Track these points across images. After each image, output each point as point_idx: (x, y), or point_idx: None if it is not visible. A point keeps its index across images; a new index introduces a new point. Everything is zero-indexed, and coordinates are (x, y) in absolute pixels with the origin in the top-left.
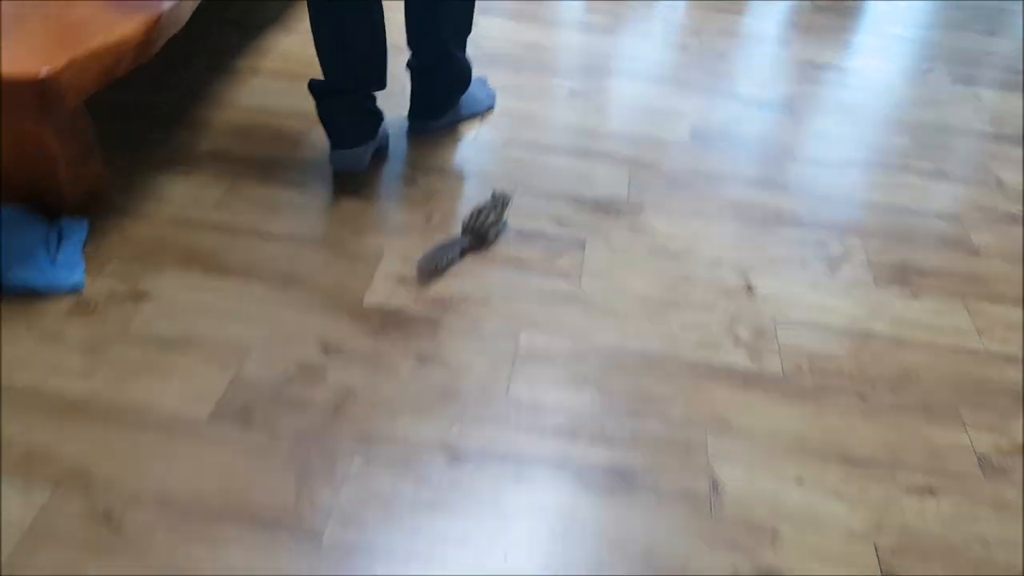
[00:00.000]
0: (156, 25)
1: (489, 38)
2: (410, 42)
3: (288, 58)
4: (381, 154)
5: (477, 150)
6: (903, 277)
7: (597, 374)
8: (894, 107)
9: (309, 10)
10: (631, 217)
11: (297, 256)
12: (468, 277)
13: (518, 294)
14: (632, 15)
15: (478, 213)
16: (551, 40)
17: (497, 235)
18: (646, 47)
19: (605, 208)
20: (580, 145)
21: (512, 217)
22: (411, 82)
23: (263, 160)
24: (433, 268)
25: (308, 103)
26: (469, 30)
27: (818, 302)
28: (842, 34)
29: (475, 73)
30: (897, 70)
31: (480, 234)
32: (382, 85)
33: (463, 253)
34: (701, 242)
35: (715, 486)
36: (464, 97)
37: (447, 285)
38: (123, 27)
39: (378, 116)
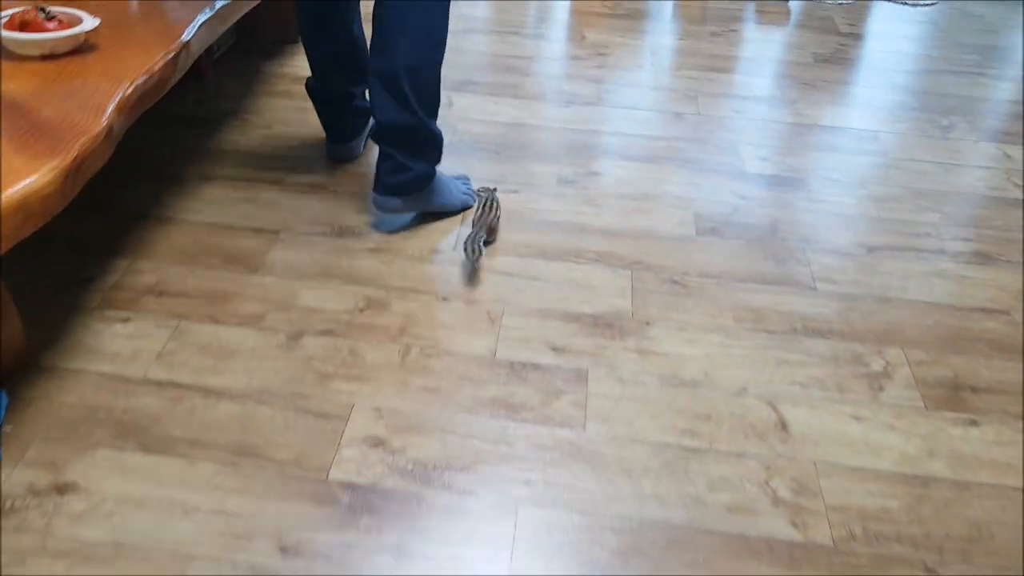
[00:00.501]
0: (72, 170)
1: (466, 119)
2: (371, 96)
3: (246, 159)
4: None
5: (456, 262)
6: (956, 398)
7: (613, 561)
8: (917, 175)
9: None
10: (638, 337)
11: (251, 419)
12: (453, 433)
13: (512, 453)
14: (617, 81)
15: (481, 214)
16: (533, 117)
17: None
18: (637, 119)
19: (607, 326)
20: (573, 246)
21: (501, 343)
22: (378, 155)
23: (214, 292)
24: (476, 257)
25: (270, 214)
26: (436, 90)
27: (863, 437)
28: (844, 87)
29: (457, 170)
30: (913, 129)
31: (492, 228)
32: (364, 83)
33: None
34: (720, 365)
35: None
36: (435, 184)
37: (428, 446)
38: (30, 178)
39: (367, 108)
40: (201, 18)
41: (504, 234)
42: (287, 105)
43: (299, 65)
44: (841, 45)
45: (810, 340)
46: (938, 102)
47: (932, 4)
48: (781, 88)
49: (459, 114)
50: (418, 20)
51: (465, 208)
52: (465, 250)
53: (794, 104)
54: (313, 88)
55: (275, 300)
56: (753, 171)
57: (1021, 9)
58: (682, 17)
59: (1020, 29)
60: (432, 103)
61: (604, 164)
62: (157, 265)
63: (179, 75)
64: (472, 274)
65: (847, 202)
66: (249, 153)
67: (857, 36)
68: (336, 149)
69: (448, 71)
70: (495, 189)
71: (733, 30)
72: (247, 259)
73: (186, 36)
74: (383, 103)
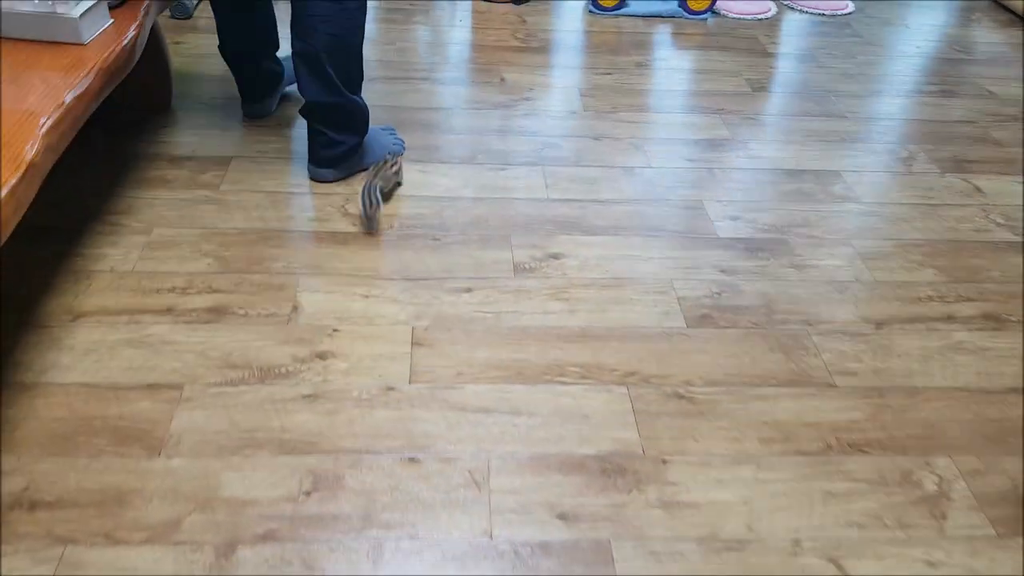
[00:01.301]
0: None
1: (393, 197)
2: (298, 77)
3: (123, 281)
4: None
5: (417, 403)
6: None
7: None
8: (897, 222)
9: None
10: (658, 484)
11: None
12: None
13: None
14: (552, 132)
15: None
16: (468, 186)
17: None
18: (585, 179)
19: (619, 471)
20: (553, 361)
21: (496, 517)
22: (308, 130)
23: (106, 494)
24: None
25: (165, 360)
26: (359, 66)
27: None
28: (790, 120)
29: None
30: (874, 164)
31: (389, 178)
32: (275, 47)
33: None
34: (762, 511)
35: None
36: (364, 145)
37: None
38: None
39: (279, 70)
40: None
41: (468, 351)
42: (167, 198)
43: (175, 139)
44: (772, 68)
45: (850, 459)
46: (889, 130)
47: (848, 12)
48: (728, 126)
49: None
50: (336, 7)
51: (395, 156)
52: (362, 200)
53: (746, 145)
54: (224, 51)
55: (190, 494)
56: (727, 234)
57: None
58: (597, 45)
59: (941, 31)
60: (355, 79)
61: (562, 242)
62: (22, 460)
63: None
64: (369, 223)
65: (836, 265)
66: (127, 273)
67: (785, 56)
68: (251, 108)
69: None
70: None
71: (659, 58)
72: (144, 434)
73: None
74: (307, 83)
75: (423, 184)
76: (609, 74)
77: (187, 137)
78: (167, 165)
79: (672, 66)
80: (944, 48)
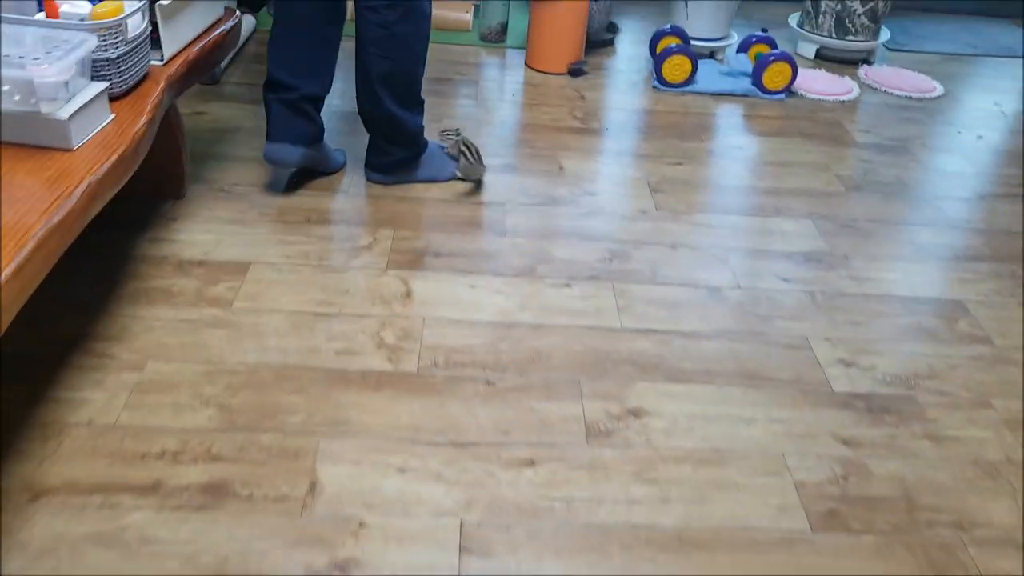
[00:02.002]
0: None
1: (432, 324)
2: (356, 92)
3: (101, 442)
4: (321, 169)
5: None
6: None
7: None
8: None
9: None
10: None
11: None
12: None
13: None
14: (622, 237)
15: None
16: (525, 308)
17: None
18: (667, 302)
19: None
20: None
21: None
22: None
23: None
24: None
25: (149, 565)
26: (411, 91)
27: None
28: (894, 229)
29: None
30: (996, 291)
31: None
32: (318, 88)
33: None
34: None
35: None
36: (426, 159)
37: None
38: None
39: (315, 124)
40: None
41: (534, 562)
42: (169, 319)
43: (186, 237)
44: (863, 161)
45: None
46: (1006, 244)
47: (937, 96)
48: (824, 235)
49: (420, 311)
50: (388, 38)
51: (454, 179)
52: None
53: (848, 262)
54: (274, 84)
55: None
56: (843, 387)
57: None
58: (664, 128)
59: None
60: (408, 99)
61: (644, 392)
62: None
63: None
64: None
65: (980, 437)
66: (108, 428)
67: (875, 147)
68: (273, 150)
69: None
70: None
71: (735, 146)
72: None
73: None
74: (360, 95)
75: (474, 304)
76: (680, 164)
77: (200, 235)
78: (173, 272)
79: (750, 156)
80: None
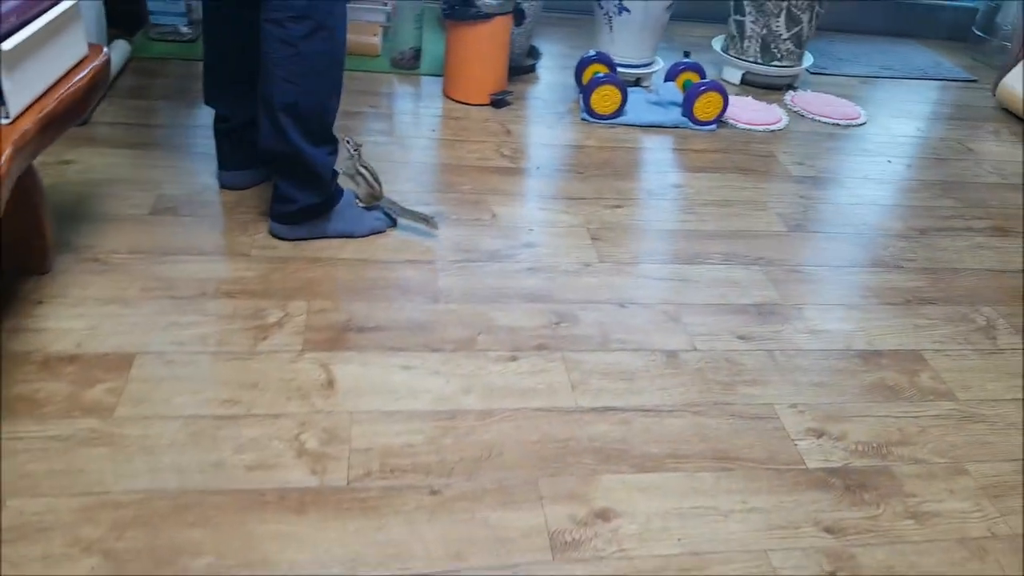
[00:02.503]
0: None
1: (360, 422)
2: (258, 124)
3: None
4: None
5: None
6: None
7: None
8: (1004, 429)
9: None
10: None
11: None
12: None
13: None
14: (566, 297)
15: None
16: (470, 392)
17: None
18: (623, 370)
19: None
20: None
21: None
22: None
23: None
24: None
25: None
26: (321, 124)
27: None
28: (844, 275)
29: None
30: (957, 334)
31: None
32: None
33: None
34: None
35: None
36: (340, 210)
37: None
38: None
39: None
40: None
41: None
42: (34, 437)
43: (53, 324)
44: (801, 197)
45: None
46: (952, 285)
47: (861, 123)
48: (774, 284)
49: (346, 404)
50: (294, 58)
51: (374, 233)
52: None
53: (802, 313)
54: (209, 89)
55: None
56: (817, 463)
57: None
58: (599, 165)
59: (963, 147)
60: (316, 132)
61: (610, 487)
62: None
63: None
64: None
65: (961, 510)
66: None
67: (811, 180)
68: (226, 177)
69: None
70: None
71: (672, 184)
72: None
73: None
74: (263, 128)
75: (410, 390)
76: (619, 207)
77: (71, 320)
78: (39, 373)
79: (689, 195)
80: (975, 169)
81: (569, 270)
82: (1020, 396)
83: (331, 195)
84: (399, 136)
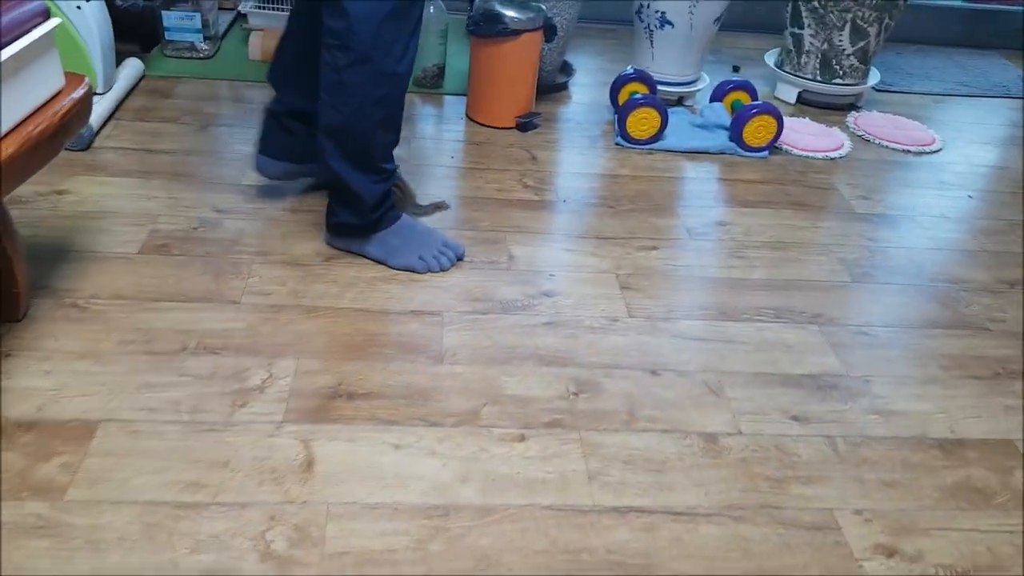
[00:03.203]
0: None
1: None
2: None
3: None
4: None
5: None
6: None
7: None
8: None
9: None
10: None
11: None
12: None
13: None
14: (591, 361)
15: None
16: (468, 481)
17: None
18: (652, 460)
19: None
20: None
21: None
22: None
23: None
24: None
25: None
26: (366, 153)
27: None
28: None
29: None
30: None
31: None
32: (305, 103)
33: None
34: None
35: None
36: (383, 237)
37: None
38: None
39: (298, 140)
40: None
41: None
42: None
43: (16, 383)
44: (867, 239)
45: None
46: None
47: (936, 150)
48: (835, 349)
49: (324, 493)
50: (337, 85)
51: (407, 270)
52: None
53: (869, 387)
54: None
55: None
56: None
57: None
58: (632, 198)
59: None
60: (359, 160)
61: None
62: None
63: None
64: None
65: None
66: None
67: (879, 217)
68: (263, 164)
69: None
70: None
71: (716, 221)
72: None
73: None
74: (318, 142)
75: (399, 477)
76: (654, 248)
77: (37, 378)
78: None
79: (736, 235)
80: None
81: (594, 326)
82: None
83: (372, 221)
84: (415, 164)
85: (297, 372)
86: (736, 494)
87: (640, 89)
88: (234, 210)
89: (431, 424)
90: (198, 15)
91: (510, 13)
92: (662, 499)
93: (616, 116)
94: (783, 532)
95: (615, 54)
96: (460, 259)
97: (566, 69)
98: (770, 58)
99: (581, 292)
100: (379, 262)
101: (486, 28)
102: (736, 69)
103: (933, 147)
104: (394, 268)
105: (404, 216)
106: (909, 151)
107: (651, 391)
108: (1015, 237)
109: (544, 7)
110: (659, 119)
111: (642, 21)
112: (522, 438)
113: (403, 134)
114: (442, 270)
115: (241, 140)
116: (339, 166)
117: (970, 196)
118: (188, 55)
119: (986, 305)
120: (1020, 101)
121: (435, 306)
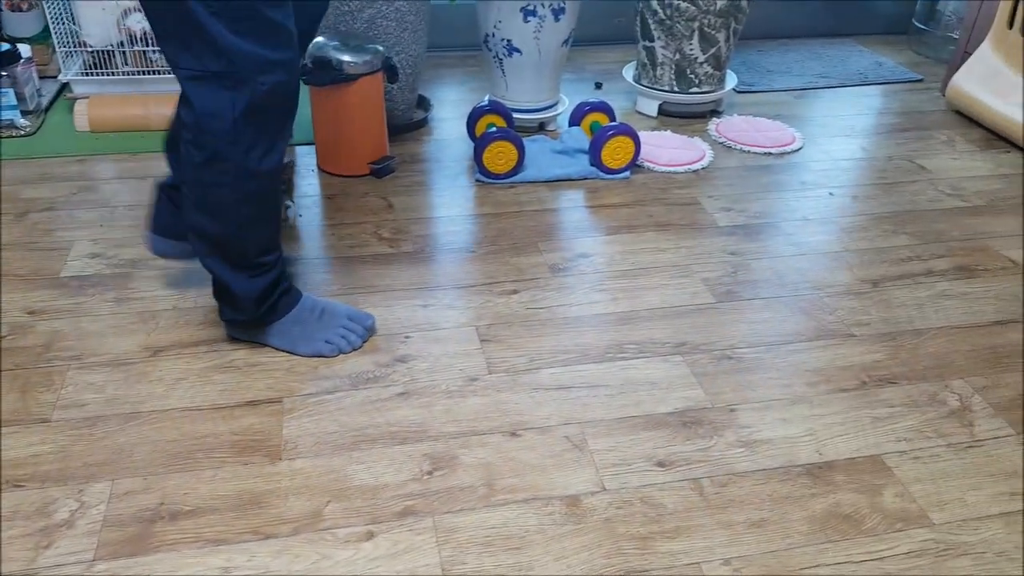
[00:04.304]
0: None
1: None
2: None
3: None
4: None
5: None
6: None
7: None
8: None
9: None
10: None
11: None
12: None
13: None
14: (439, 435)
15: None
16: None
17: None
18: (515, 527)
19: None
20: None
21: None
22: None
23: None
24: None
25: None
26: (240, 252)
27: None
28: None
29: None
30: (925, 423)
31: None
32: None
33: None
34: None
35: None
36: (281, 327)
37: None
38: None
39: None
40: None
41: None
42: None
43: None
44: (730, 254)
45: None
46: (915, 355)
47: (797, 148)
48: (700, 379)
49: None
50: (195, 184)
51: (316, 356)
52: None
53: (735, 418)
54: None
55: None
56: None
57: None
58: (493, 238)
59: (911, 164)
60: (232, 258)
61: None
62: None
63: None
64: None
65: None
66: None
67: (741, 228)
68: (159, 242)
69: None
70: None
71: (579, 253)
72: None
73: None
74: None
75: None
76: (515, 292)
77: None
78: None
79: (599, 266)
80: (930, 192)
81: (451, 389)
82: (1008, 508)
83: (260, 315)
84: None
85: (112, 496)
86: (600, 562)
87: (496, 121)
88: (49, 309)
89: (265, 537)
90: (11, 91)
91: (345, 58)
92: None
93: (473, 151)
94: None
95: (475, 82)
96: (370, 330)
97: (423, 104)
98: (628, 72)
99: (438, 352)
100: (285, 351)
101: (321, 76)
102: (599, 86)
103: (794, 146)
104: (303, 356)
105: (305, 297)
106: (771, 153)
107: (511, 456)
108: (877, 232)
109: (382, 47)
110: (515, 152)
111: (490, 50)
112: (369, 535)
113: None
114: (353, 349)
115: (64, 225)
116: (212, 264)
117: (831, 193)
118: (6, 134)
119: (850, 309)
120: (877, 87)
121: (275, 392)
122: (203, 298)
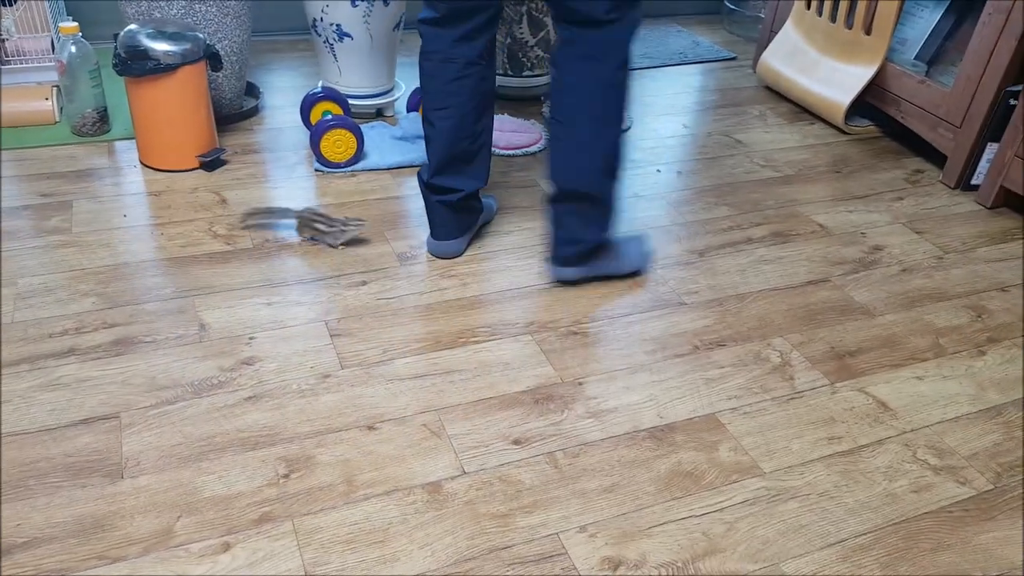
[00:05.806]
0: None
1: None
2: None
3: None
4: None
5: None
6: None
7: None
8: (843, 516)
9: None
10: None
11: None
12: None
13: None
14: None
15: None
16: None
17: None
18: (376, 521)
19: None
20: None
21: None
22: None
23: None
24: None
25: None
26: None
27: None
28: None
29: None
30: (753, 380)
31: (310, 225)
32: (480, 183)
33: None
34: None
35: None
36: (611, 249)
37: None
38: None
39: (478, 212)
40: None
41: None
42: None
43: None
44: None
45: None
46: (738, 315)
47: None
48: (548, 354)
49: None
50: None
51: (634, 273)
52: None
53: (581, 391)
54: (426, 181)
55: None
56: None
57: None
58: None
59: (726, 137)
60: (614, 168)
61: None
62: None
63: None
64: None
65: None
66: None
67: None
68: (440, 247)
69: None
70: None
71: (422, 242)
72: None
73: None
74: (563, 165)
75: None
76: (364, 283)
77: None
78: None
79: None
80: (746, 164)
81: (303, 388)
82: (826, 452)
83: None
84: (78, 233)
85: None
86: (464, 544)
87: (332, 108)
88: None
89: (112, 560)
90: None
91: (161, 47)
92: (385, 570)
93: (310, 139)
94: (515, 573)
95: (307, 68)
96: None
97: (252, 92)
98: None
99: (287, 351)
100: (619, 276)
101: (136, 67)
102: None
103: (624, 126)
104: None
105: None
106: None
107: (369, 450)
108: (701, 204)
109: (202, 34)
110: (355, 140)
111: (320, 35)
112: (226, 547)
113: (62, 197)
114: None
115: None
116: (606, 183)
117: (659, 170)
118: None
119: (681, 279)
120: (696, 66)
121: (110, 408)
122: (20, 312)
